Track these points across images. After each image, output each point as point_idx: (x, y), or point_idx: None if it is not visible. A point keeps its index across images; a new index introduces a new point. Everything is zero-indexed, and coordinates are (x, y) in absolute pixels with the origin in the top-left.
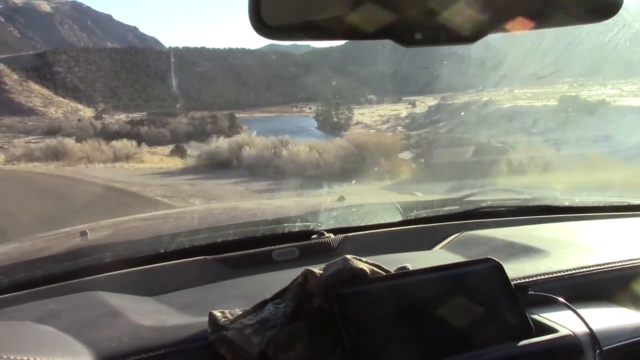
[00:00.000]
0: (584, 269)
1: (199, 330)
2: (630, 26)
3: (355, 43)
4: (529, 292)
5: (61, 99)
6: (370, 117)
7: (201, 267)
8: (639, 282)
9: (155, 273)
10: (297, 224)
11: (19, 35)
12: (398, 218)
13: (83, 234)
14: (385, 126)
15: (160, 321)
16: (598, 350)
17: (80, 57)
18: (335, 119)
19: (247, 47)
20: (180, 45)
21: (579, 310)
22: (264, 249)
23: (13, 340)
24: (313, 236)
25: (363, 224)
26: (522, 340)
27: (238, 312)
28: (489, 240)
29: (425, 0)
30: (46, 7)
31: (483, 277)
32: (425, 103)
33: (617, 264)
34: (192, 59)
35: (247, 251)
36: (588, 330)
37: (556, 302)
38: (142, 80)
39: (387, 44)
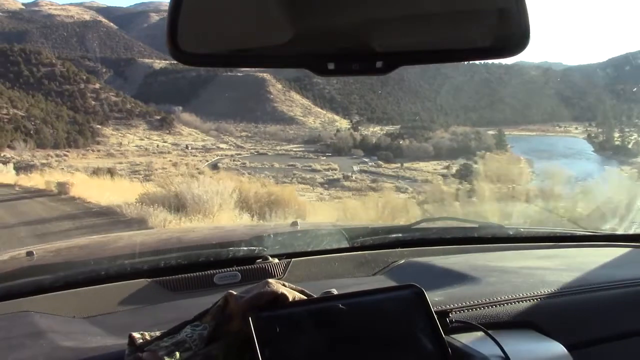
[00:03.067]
0: (509, 297)
1: (118, 351)
2: None
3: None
4: (450, 319)
5: (319, 109)
6: None
7: (140, 290)
8: (563, 311)
9: (93, 294)
10: (241, 248)
11: None
12: (344, 244)
13: (29, 254)
14: None
15: (83, 342)
16: None
17: None
18: (618, 142)
19: (503, 61)
20: None
21: (500, 338)
22: (206, 272)
23: None
24: (258, 260)
25: (309, 250)
26: None
27: (157, 334)
28: (427, 268)
29: (338, 32)
30: None
31: (404, 302)
32: None
33: (544, 293)
34: (446, 72)
35: (189, 274)
36: (504, 356)
37: (476, 328)
38: (395, 94)
39: None
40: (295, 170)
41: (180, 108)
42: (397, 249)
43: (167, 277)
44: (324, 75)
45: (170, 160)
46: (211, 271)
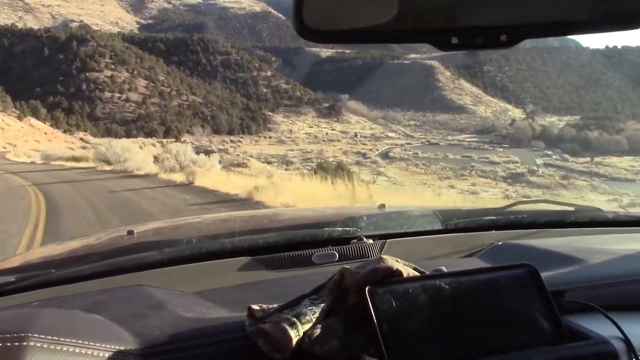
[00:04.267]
0: (623, 278)
1: (237, 322)
2: None
3: None
4: (565, 299)
5: (490, 98)
6: None
7: (242, 267)
8: None
9: (197, 271)
10: (337, 228)
11: None
12: (438, 226)
13: (130, 232)
14: None
15: (200, 314)
16: (634, 358)
17: (511, 57)
18: None
19: None
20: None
21: (617, 319)
22: (305, 251)
23: (66, 326)
24: (353, 240)
25: (402, 231)
26: (555, 345)
27: (275, 307)
28: (527, 250)
29: (462, 6)
30: None
31: (518, 281)
32: None
33: None
34: (632, 59)
35: (288, 253)
36: (623, 338)
37: (593, 309)
38: (572, 81)
39: None
40: (472, 162)
41: (347, 96)
42: (491, 231)
43: (267, 255)
44: (447, 50)
45: (340, 149)
46: (309, 250)
